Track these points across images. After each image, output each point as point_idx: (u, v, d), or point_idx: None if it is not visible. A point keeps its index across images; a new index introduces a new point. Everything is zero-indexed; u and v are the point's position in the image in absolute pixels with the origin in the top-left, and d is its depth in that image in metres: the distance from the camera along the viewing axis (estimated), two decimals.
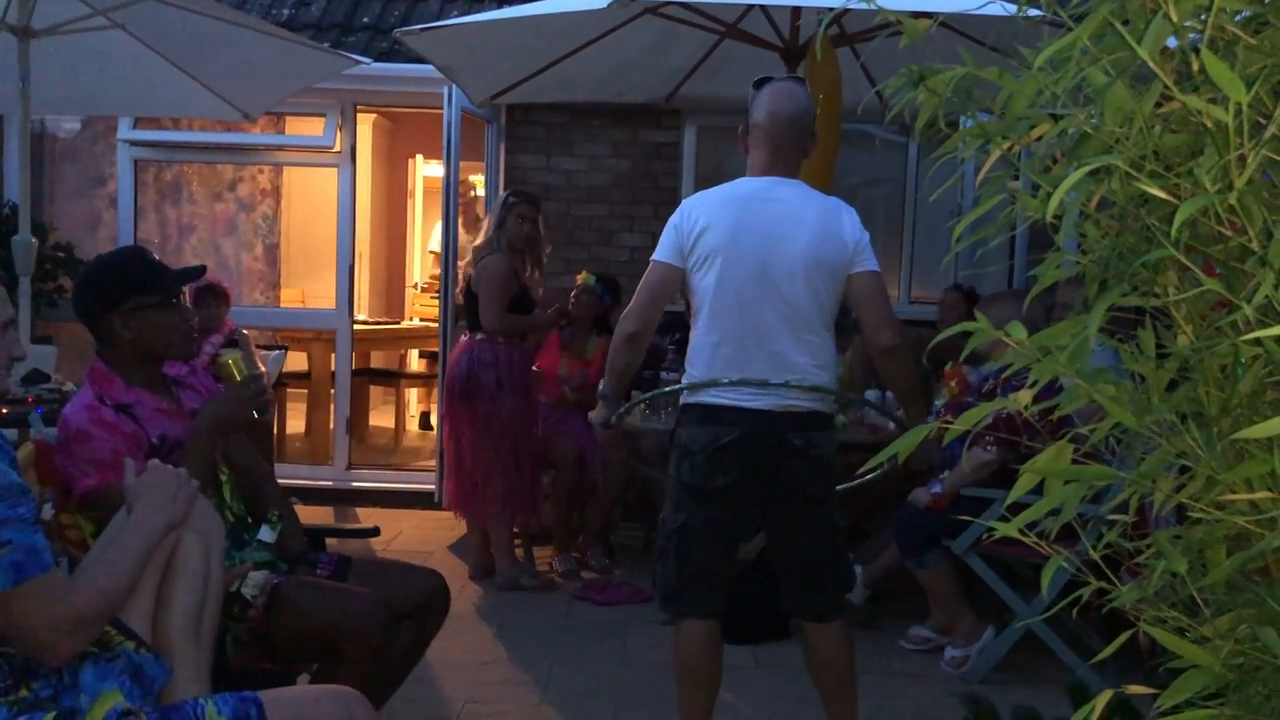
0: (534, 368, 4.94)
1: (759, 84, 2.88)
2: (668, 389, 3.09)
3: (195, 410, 2.56)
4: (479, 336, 4.67)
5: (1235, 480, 1.02)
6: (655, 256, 2.83)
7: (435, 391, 6.17)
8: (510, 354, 4.66)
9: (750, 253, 2.72)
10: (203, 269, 2.78)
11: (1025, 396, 1.18)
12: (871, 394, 4.87)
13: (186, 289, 2.70)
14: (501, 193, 4.96)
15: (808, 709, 3.49)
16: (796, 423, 2.74)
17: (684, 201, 2.88)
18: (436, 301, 6.47)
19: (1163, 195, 0.99)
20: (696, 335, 2.80)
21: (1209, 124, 0.94)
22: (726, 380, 2.73)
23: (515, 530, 5.18)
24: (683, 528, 2.80)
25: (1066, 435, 1.15)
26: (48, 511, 2.36)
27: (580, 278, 5.22)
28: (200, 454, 2.43)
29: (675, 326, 5.39)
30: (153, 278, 2.52)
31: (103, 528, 2.32)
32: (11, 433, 3.69)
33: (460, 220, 8.03)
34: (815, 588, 2.87)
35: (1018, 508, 1.16)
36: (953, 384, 4.25)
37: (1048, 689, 3.50)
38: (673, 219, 2.83)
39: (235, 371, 2.56)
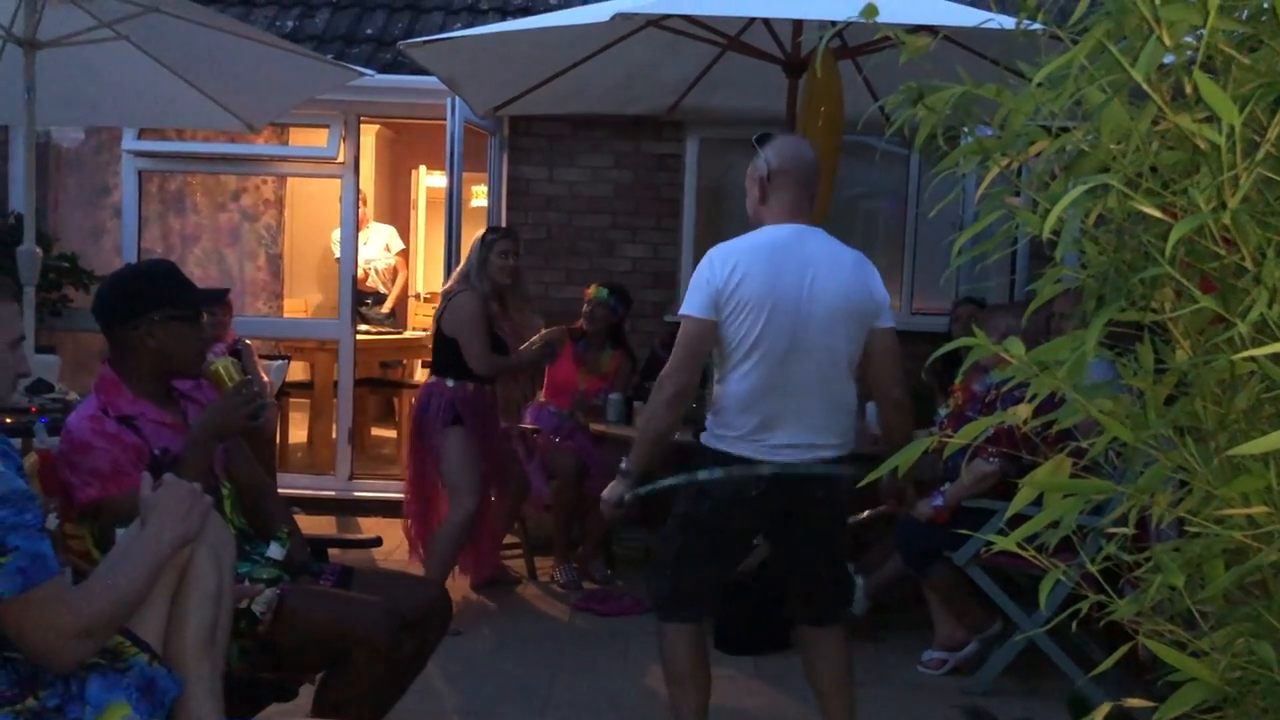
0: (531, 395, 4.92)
1: (761, 140, 2.91)
2: (700, 477, 2.82)
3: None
4: (435, 379, 4.53)
5: (1232, 495, 1.03)
6: (688, 312, 2.77)
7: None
8: (463, 394, 4.46)
9: (789, 302, 2.73)
10: (226, 291, 2.79)
11: (1024, 411, 1.19)
12: (872, 405, 4.89)
13: None
14: (478, 233, 4.74)
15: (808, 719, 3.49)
16: (821, 473, 2.81)
17: (712, 252, 2.81)
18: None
19: (1158, 215, 1.00)
20: (726, 381, 2.80)
21: (1203, 145, 0.95)
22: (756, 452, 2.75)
23: (514, 540, 5.19)
24: (684, 548, 2.87)
25: (1066, 449, 1.16)
26: (52, 521, 2.38)
27: (591, 291, 5.23)
28: (196, 464, 2.43)
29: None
30: (182, 292, 2.56)
31: (103, 538, 2.33)
32: (16, 442, 3.69)
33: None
34: (817, 598, 2.97)
35: (1017, 521, 1.17)
36: (957, 395, 4.27)
37: (1048, 701, 3.50)
38: (703, 272, 2.77)
39: (225, 378, 2.55)
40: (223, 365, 2.57)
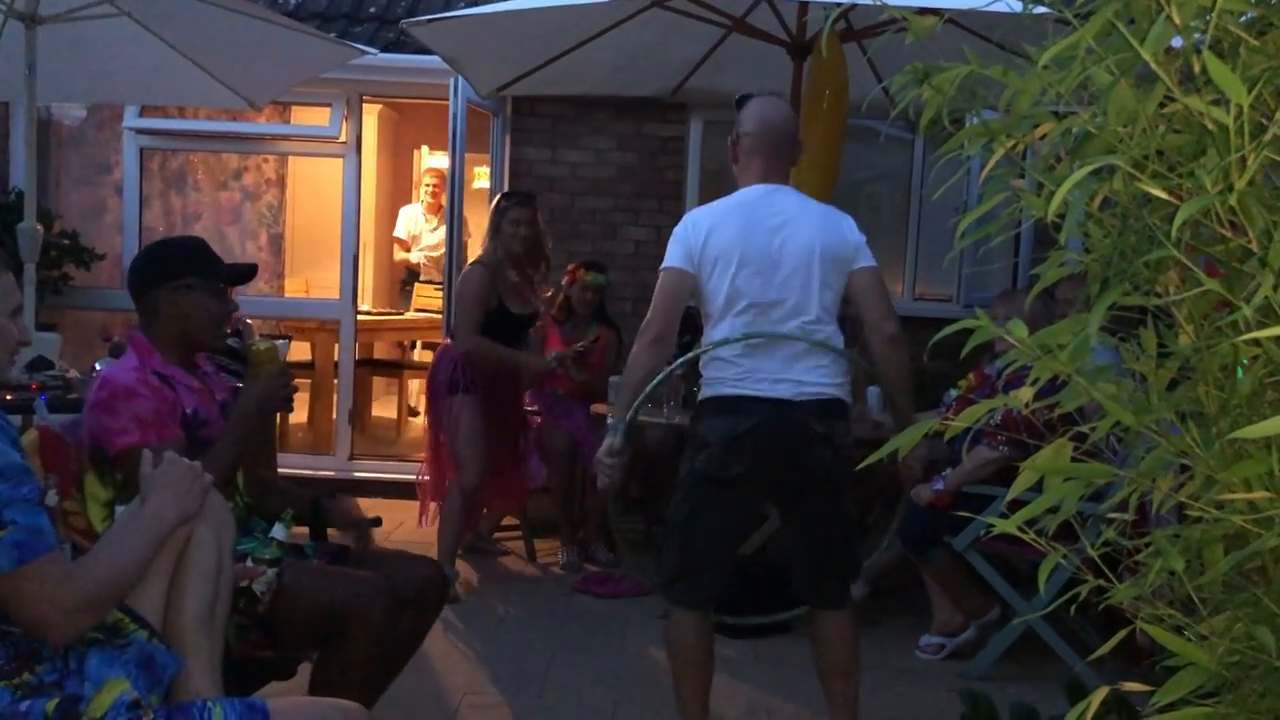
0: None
1: (740, 102, 3.00)
2: (667, 370, 2.94)
3: (224, 400, 2.69)
4: (448, 341, 4.70)
5: (1233, 479, 1.03)
6: (666, 264, 2.89)
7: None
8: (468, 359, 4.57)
9: (759, 251, 2.81)
10: (253, 268, 2.82)
11: (1026, 394, 1.18)
12: (873, 390, 4.88)
13: None
14: (495, 197, 4.90)
15: (807, 703, 3.50)
16: (817, 410, 2.81)
17: (687, 215, 2.95)
18: (439, 293, 6.48)
19: (1164, 196, 0.99)
20: (712, 333, 2.87)
21: (1210, 125, 0.95)
22: (740, 337, 2.79)
23: (513, 522, 5.21)
24: (689, 518, 2.86)
25: (1067, 433, 1.15)
26: (52, 498, 2.38)
27: (585, 276, 5.19)
28: (239, 437, 2.57)
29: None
30: (207, 264, 2.64)
31: (128, 489, 2.34)
32: (16, 419, 3.70)
33: (424, 209, 8.09)
34: (827, 576, 2.96)
35: (1018, 506, 1.17)
36: (970, 379, 4.26)
37: (1046, 687, 3.51)
38: (678, 231, 2.90)
39: (269, 360, 2.68)
40: (265, 348, 2.69)
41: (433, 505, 4.91)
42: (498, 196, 4.78)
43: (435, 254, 8.06)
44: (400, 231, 8.12)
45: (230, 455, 2.56)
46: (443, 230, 8.05)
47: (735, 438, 2.78)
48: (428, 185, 8.10)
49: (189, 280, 2.58)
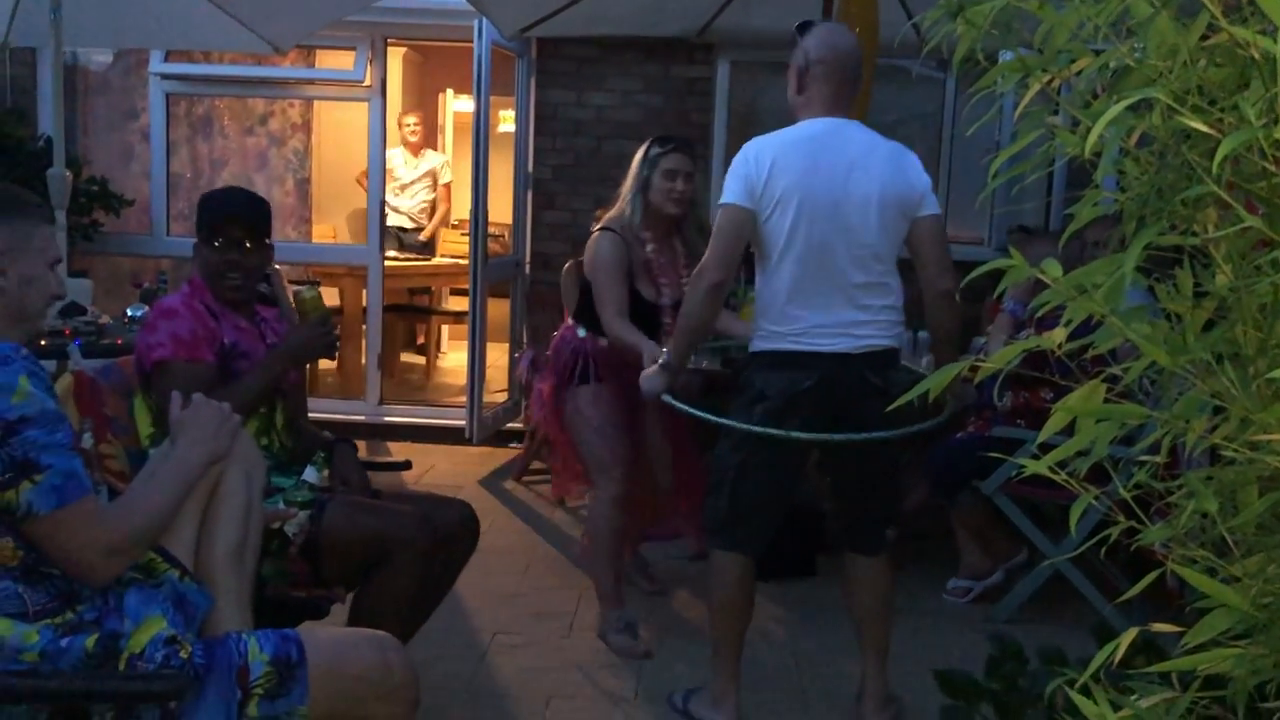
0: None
1: (802, 28, 2.86)
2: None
3: (272, 345, 2.75)
4: (568, 324, 3.76)
5: (1270, 420, 1.01)
6: (726, 200, 2.74)
7: (462, 328, 6.20)
8: (592, 346, 3.59)
9: (824, 193, 2.69)
10: (244, 216, 2.71)
11: (1059, 335, 1.17)
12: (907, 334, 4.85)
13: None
14: (644, 144, 3.67)
15: (838, 645, 3.53)
16: (874, 362, 2.76)
17: (748, 145, 2.78)
18: (466, 239, 6.47)
19: (1206, 130, 0.96)
20: (767, 281, 2.77)
21: (1256, 55, 0.92)
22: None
23: (541, 466, 5.23)
24: (741, 465, 2.82)
25: (1101, 375, 1.14)
26: (87, 441, 2.42)
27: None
28: (263, 378, 2.63)
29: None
30: (209, 216, 2.70)
31: (163, 404, 2.36)
32: (50, 364, 3.74)
33: (404, 149, 7.84)
34: (869, 522, 2.95)
35: (1047, 450, 1.16)
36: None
37: (1073, 630, 3.52)
38: (738, 163, 2.75)
39: (310, 308, 2.75)
40: (310, 297, 2.76)
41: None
42: (647, 142, 3.68)
43: (409, 198, 7.91)
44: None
45: (253, 390, 2.60)
46: (419, 169, 7.93)
47: (796, 394, 2.72)
48: (409, 125, 7.88)
49: (201, 234, 2.69)
